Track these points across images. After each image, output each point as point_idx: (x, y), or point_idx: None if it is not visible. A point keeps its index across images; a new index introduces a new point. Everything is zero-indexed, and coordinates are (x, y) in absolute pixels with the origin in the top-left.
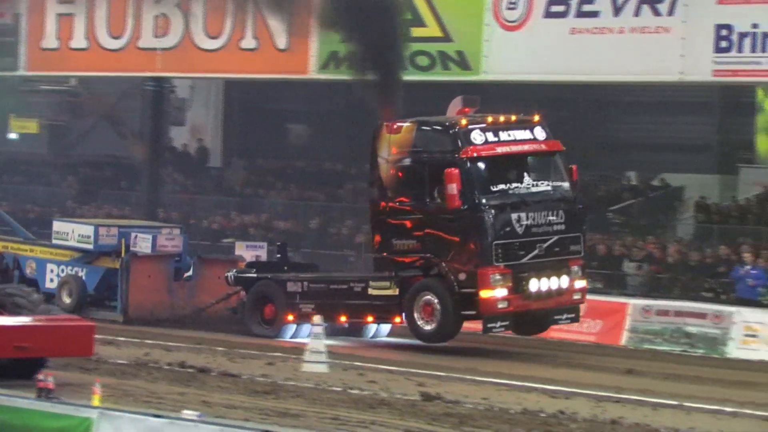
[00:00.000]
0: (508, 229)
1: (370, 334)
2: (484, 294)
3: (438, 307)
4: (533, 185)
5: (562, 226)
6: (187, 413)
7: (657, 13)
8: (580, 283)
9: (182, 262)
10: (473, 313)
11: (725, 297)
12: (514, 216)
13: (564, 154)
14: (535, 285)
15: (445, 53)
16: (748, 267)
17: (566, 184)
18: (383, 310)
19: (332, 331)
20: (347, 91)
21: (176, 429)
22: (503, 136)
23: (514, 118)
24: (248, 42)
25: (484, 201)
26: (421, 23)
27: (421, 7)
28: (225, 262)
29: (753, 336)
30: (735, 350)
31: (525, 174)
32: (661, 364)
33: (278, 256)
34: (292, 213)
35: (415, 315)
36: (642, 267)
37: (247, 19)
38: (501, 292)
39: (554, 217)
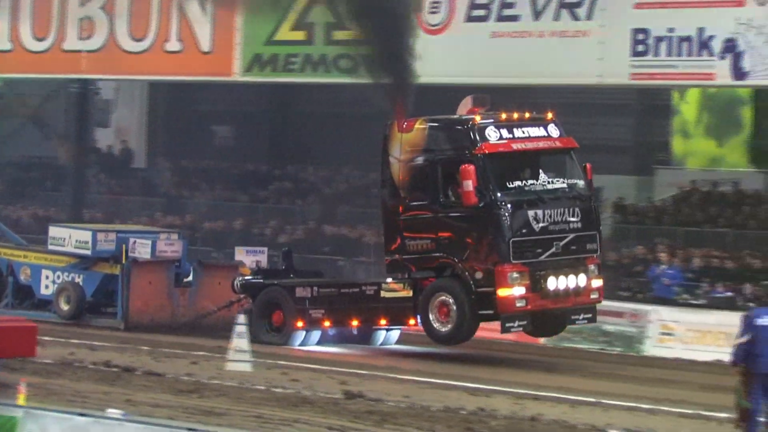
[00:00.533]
0: (525, 226)
1: (379, 342)
2: (502, 292)
3: (454, 307)
4: (549, 182)
5: (579, 224)
6: (112, 412)
7: (576, 17)
8: (597, 282)
9: (182, 267)
10: (491, 312)
11: (642, 296)
12: (530, 213)
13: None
14: (553, 283)
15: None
16: (664, 266)
17: (581, 182)
18: (397, 313)
19: (341, 339)
20: (271, 92)
21: (101, 428)
22: (517, 132)
23: (527, 115)
24: (173, 44)
25: (500, 197)
26: (345, 27)
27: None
28: (225, 268)
29: (669, 334)
30: (651, 348)
31: (540, 171)
32: (580, 362)
33: (284, 263)
34: (216, 213)
35: (431, 317)
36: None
37: (172, 21)
38: (519, 291)
39: (570, 215)
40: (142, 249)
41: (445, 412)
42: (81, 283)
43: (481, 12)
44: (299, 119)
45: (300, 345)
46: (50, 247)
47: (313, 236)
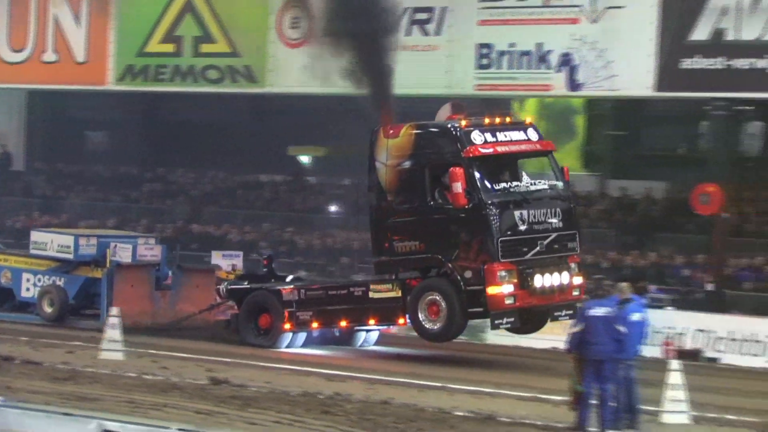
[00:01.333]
0: (511, 226)
1: (359, 343)
2: (492, 290)
3: (444, 306)
4: (531, 184)
5: (560, 224)
6: None
7: (425, 32)
8: (578, 280)
9: (161, 270)
10: (480, 310)
11: None
12: (516, 213)
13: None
14: (539, 281)
15: (233, 67)
16: None
17: (560, 183)
18: (386, 313)
19: (324, 341)
20: (142, 100)
21: None
22: (500, 136)
23: (508, 119)
24: (49, 56)
25: (488, 199)
26: (211, 40)
27: (211, 25)
28: (203, 271)
29: None
30: (493, 337)
31: (523, 173)
32: (428, 350)
33: (265, 267)
34: (91, 213)
35: (420, 315)
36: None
37: (48, 34)
38: (508, 288)
39: (552, 215)
40: (123, 253)
41: (303, 396)
42: (63, 286)
43: None
44: (169, 125)
45: (287, 347)
46: (32, 251)
47: (181, 234)
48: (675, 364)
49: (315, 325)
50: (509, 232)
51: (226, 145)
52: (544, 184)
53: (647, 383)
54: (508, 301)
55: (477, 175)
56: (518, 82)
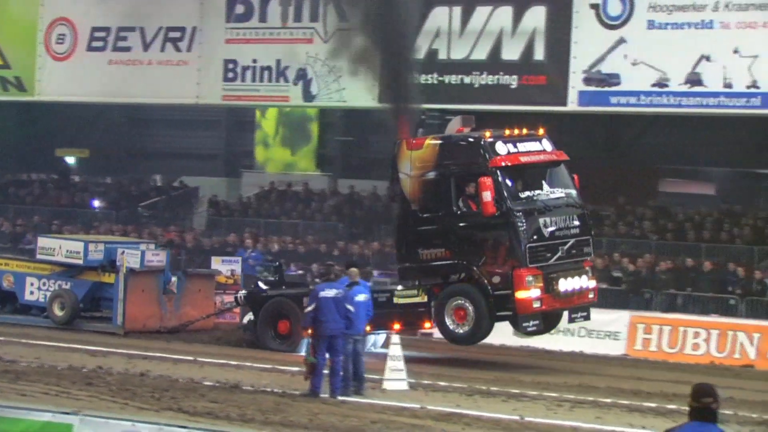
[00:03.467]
0: (537, 232)
1: (368, 347)
2: (520, 294)
3: (471, 310)
4: (551, 192)
5: (577, 230)
6: None
7: (178, 49)
8: (592, 283)
9: (165, 276)
10: (509, 313)
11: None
12: (541, 221)
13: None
14: (563, 285)
15: (5, 78)
16: (250, 250)
17: (574, 191)
18: (411, 317)
19: None
20: None
21: None
22: (521, 147)
23: (525, 131)
24: None
25: (515, 207)
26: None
27: None
28: (204, 276)
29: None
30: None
31: (543, 182)
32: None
33: (275, 275)
34: None
35: (447, 320)
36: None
37: None
38: (535, 293)
39: (570, 222)
40: (132, 259)
41: (69, 370)
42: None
43: (100, 44)
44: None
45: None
46: (39, 257)
47: None
48: (395, 338)
49: None
50: (535, 238)
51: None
52: (561, 192)
53: (372, 355)
54: (536, 305)
55: (504, 184)
56: (261, 93)
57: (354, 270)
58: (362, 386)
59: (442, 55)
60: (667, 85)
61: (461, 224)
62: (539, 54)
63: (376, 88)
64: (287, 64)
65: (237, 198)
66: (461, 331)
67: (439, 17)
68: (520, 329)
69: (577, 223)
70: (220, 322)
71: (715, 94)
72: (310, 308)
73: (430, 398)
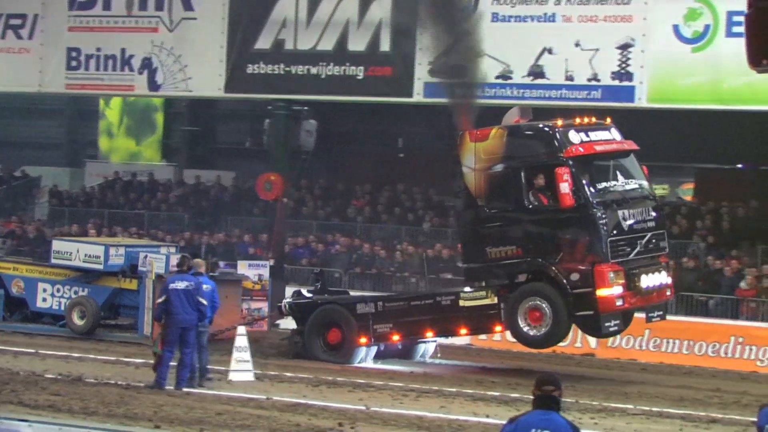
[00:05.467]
0: (616, 226)
1: (418, 356)
2: (602, 292)
3: (548, 310)
4: (626, 183)
5: (653, 223)
6: None
7: (20, 36)
8: (669, 279)
9: None
10: (590, 313)
11: None
12: (620, 213)
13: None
14: (644, 281)
15: None
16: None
17: (646, 183)
18: (479, 321)
19: (387, 354)
20: None
21: None
22: (593, 136)
23: (594, 119)
24: None
25: (594, 198)
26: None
27: None
28: (230, 282)
29: None
30: None
31: (617, 172)
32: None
33: (317, 283)
34: None
35: (520, 321)
36: (6, 242)
37: None
38: (617, 290)
39: (647, 214)
40: (156, 264)
41: None
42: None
43: None
44: None
45: (359, 363)
46: (54, 261)
47: None
48: (241, 329)
49: (396, 338)
50: (615, 232)
51: None
52: (635, 183)
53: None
54: (618, 303)
55: (581, 174)
56: (105, 82)
57: (198, 261)
58: (206, 378)
59: (288, 46)
60: (510, 78)
61: (534, 219)
62: (385, 45)
63: (222, 77)
64: (132, 53)
65: (80, 188)
66: (537, 333)
67: (286, 7)
68: (600, 330)
69: (652, 215)
70: (248, 331)
71: (557, 87)
72: (160, 300)
73: (276, 389)
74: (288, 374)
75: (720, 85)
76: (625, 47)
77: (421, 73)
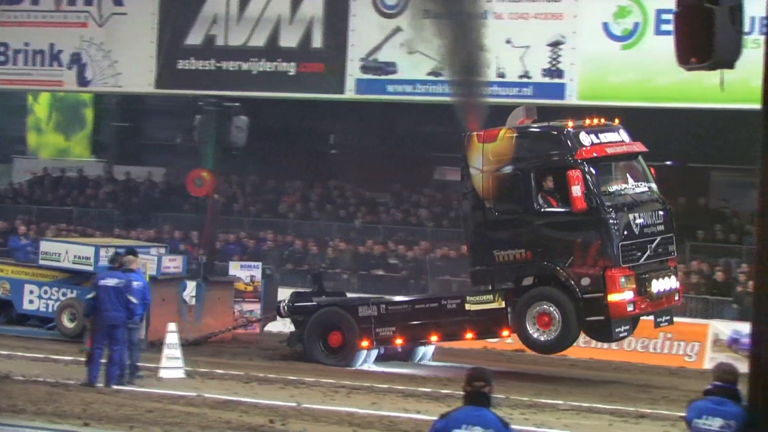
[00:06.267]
0: (628, 229)
1: (417, 359)
2: (614, 297)
3: (557, 315)
4: (635, 186)
5: (662, 227)
6: None
7: None
8: (678, 284)
9: (183, 283)
10: (600, 318)
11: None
12: (630, 216)
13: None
14: (655, 286)
15: None
16: (23, 238)
17: (654, 185)
18: (486, 325)
19: (387, 357)
20: None
21: None
22: (602, 138)
23: (603, 120)
24: None
25: (607, 202)
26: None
27: None
28: (223, 284)
29: None
30: None
31: (627, 175)
32: None
33: (314, 285)
34: None
35: (529, 326)
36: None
37: None
38: (628, 295)
39: (656, 218)
40: (149, 265)
41: None
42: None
43: None
44: None
45: (360, 365)
46: (42, 262)
47: None
48: (172, 326)
49: (399, 341)
50: (626, 236)
51: None
52: (644, 186)
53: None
54: (629, 308)
55: (592, 177)
56: (33, 77)
57: (130, 257)
58: (137, 375)
59: (219, 42)
60: (442, 74)
61: (543, 222)
62: (317, 42)
63: (153, 73)
64: (61, 48)
65: (8, 184)
66: (546, 339)
67: (217, 3)
68: (610, 336)
69: (661, 219)
70: (239, 333)
71: (489, 84)
72: (90, 296)
73: (207, 386)
74: (219, 371)
75: (650, 82)
76: (555, 44)
77: (353, 70)
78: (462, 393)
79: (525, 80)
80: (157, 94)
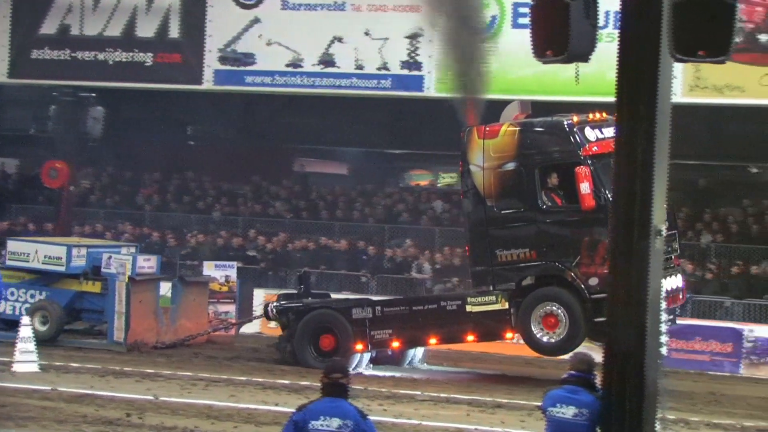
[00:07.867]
0: None
1: (407, 362)
2: None
3: (564, 316)
4: None
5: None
6: None
7: None
8: (683, 283)
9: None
10: None
11: None
12: None
13: None
14: (666, 285)
15: None
16: None
17: None
18: (488, 327)
19: (378, 361)
20: None
21: None
22: (606, 133)
23: (605, 115)
24: None
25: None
26: None
27: None
28: (198, 284)
29: None
30: None
31: None
32: None
33: (300, 285)
34: None
35: (534, 328)
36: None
37: None
38: None
39: None
40: (122, 266)
41: None
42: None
43: None
44: None
45: (353, 369)
46: (9, 263)
47: None
48: (25, 319)
49: (396, 344)
50: None
51: None
52: None
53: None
54: None
55: (600, 173)
56: None
57: None
58: None
59: (74, 31)
60: (301, 66)
61: (549, 221)
62: (174, 32)
63: (5, 62)
64: None
65: None
66: (552, 340)
67: None
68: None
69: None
70: (215, 336)
71: (348, 75)
72: None
73: (62, 380)
74: (74, 365)
75: (507, 75)
76: (413, 37)
77: (211, 61)
78: (320, 385)
79: (384, 72)
80: (10, 83)
